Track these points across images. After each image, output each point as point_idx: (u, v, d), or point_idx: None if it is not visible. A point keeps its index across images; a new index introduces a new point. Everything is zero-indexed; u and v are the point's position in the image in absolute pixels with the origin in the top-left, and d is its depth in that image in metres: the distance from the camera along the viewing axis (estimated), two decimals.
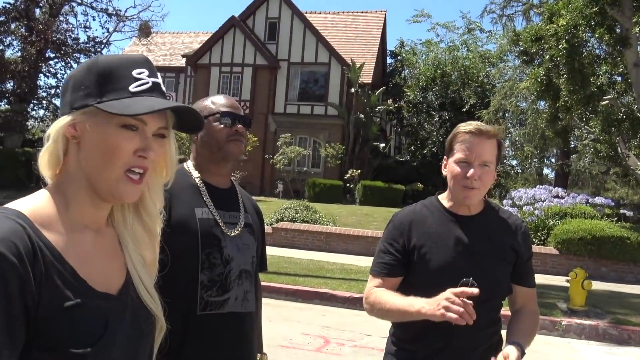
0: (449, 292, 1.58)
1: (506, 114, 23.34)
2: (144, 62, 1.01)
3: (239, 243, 1.77)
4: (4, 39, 20.25)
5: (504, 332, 1.90)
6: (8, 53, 20.97)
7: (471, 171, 1.74)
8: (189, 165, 1.85)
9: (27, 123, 20.90)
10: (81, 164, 0.96)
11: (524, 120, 21.69)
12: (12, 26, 20.51)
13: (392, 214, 1.96)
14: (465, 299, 1.55)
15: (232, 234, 1.75)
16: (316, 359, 4.86)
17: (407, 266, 1.83)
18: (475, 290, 1.55)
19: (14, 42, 20.65)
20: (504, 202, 13.52)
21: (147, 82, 0.99)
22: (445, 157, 1.88)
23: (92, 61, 1.01)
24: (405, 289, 1.83)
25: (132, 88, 0.97)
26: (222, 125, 1.76)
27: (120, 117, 0.94)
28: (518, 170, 30.41)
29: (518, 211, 12.29)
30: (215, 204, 1.77)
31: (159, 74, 1.03)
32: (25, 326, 0.86)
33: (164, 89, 1.03)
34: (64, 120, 0.96)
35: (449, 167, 1.83)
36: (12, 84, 20.39)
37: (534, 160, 27.05)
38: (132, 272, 1.04)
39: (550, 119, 13.12)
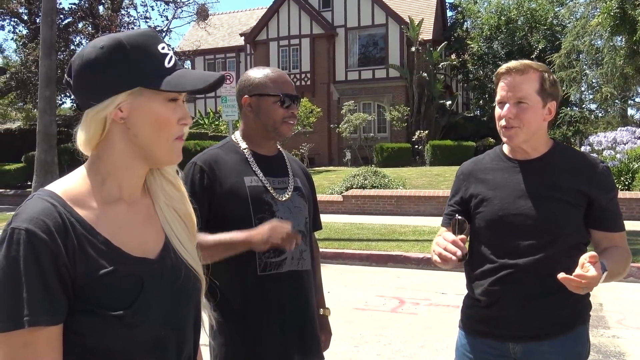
0: (443, 234, 1.70)
1: (580, 55, 21.89)
2: (158, 36, 1.08)
3: (290, 206, 1.85)
4: (74, 39, 21.35)
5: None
6: None
7: (505, 110, 1.73)
8: (237, 136, 1.92)
9: None
10: (131, 140, 1.03)
11: (601, 60, 20.24)
12: (80, 26, 21.57)
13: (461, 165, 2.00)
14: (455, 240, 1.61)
15: (283, 199, 1.83)
16: (392, 319, 4.92)
17: (468, 215, 1.82)
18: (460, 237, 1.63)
19: (83, 41, 21.73)
20: (582, 148, 12.82)
21: (172, 56, 1.06)
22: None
23: (115, 41, 1.02)
24: (474, 239, 1.84)
25: (167, 64, 1.03)
26: (282, 108, 1.83)
27: (167, 93, 1.02)
28: (598, 114, 28.61)
29: (598, 157, 11.65)
30: (264, 172, 1.84)
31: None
32: (64, 294, 0.94)
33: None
34: (109, 105, 1.00)
35: (496, 111, 1.82)
36: None
37: (616, 101, 25.31)
38: (168, 233, 1.10)
39: (629, 55, 12.25)
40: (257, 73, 1.88)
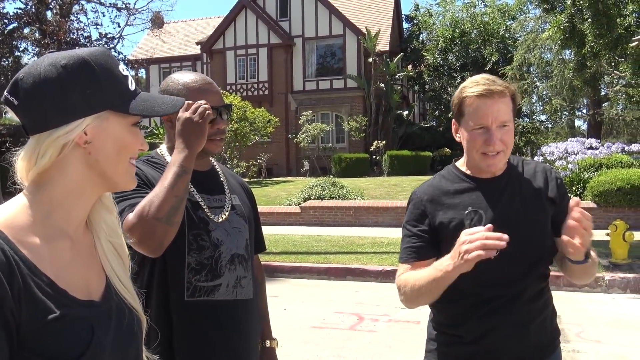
0: (462, 234, 1.42)
1: (531, 68, 22.56)
2: (113, 56, 1.03)
3: (228, 227, 1.63)
4: (19, 45, 20.46)
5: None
6: (25, 59, 21.22)
7: (492, 137, 1.57)
8: (163, 149, 1.71)
9: None
10: (91, 165, 0.97)
11: (550, 72, 20.88)
12: (26, 31, 20.68)
13: (412, 192, 1.77)
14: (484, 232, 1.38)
15: (220, 220, 1.62)
16: (350, 338, 4.75)
17: (437, 246, 1.65)
18: (486, 227, 1.39)
19: (29, 47, 20.87)
20: (535, 158, 13.11)
21: (132, 79, 1.03)
22: (454, 121, 1.69)
23: (80, 60, 0.95)
24: None
25: (130, 87, 1.01)
26: None
27: (132, 117, 1.00)
28: (548, 125, 29.52)
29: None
30: (197, 188, 1.63)
31: None
32: (7, 343, 0.84)
33: None
34: (75, 128, 0.93)
35: (466, 135, 1.63)
36: None
37: (564, 113, 26.18)
38: (108, 272, 1.04)
39: (578, 68, 12.58)
40: (177, 81, 1.63)
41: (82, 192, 0.98)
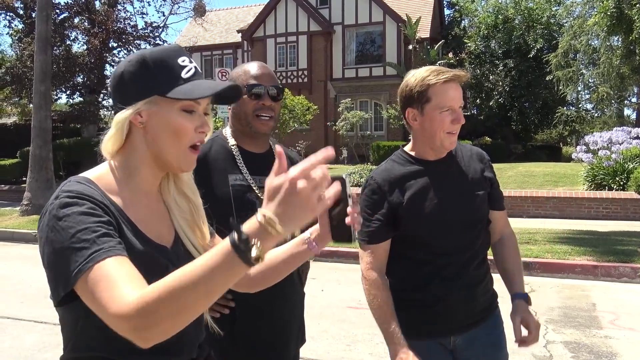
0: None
1: (577, 55, 21.89)
2: (182, 50, 1.18)
3: None
4: (70, 34, 21.22)
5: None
6: (75, 47, 22.04)
7: (459, 116, 1.78)
8: (227, 131, 1.88)
9: (100, 113, 21.96)
10: (148, 144, 1.14)
11: (597, 60, 20.23)
12: (76, 21, 21.44)
13: (366, 178, 1.91)
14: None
15: None
16: None
17: (394, 226, 1.81)
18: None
19: (79, 36, 21.62)
20: (577, 148, 12.82)
21: (192, 68, 1.15)
22: (411, 109, 1.81)
23: (140, 56, 1.14)
24: (399, 247, 1.82)
25: (184, 75, 1.13)
26: (250, 99, 1.77)
27: (182, 102, 1.11)
28: (594, 114, 28.62)
29: (593, 157, 11.64)
30: (250, 170, 1.79)
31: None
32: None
33: (199, 69, 1.20)
34: (129, 110, 1.11)
35: (430, 117, 1.77)
36: (81, 77, 21.43)
37: (612, 101, 25.32)
38: (179, 231, 1.21)
39: (626, 55, 12.22)
40: (239, 68, 1.87)
41: (151, 163, 1.16)
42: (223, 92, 1.15)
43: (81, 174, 1.13)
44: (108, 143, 1.14)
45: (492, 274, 1.96)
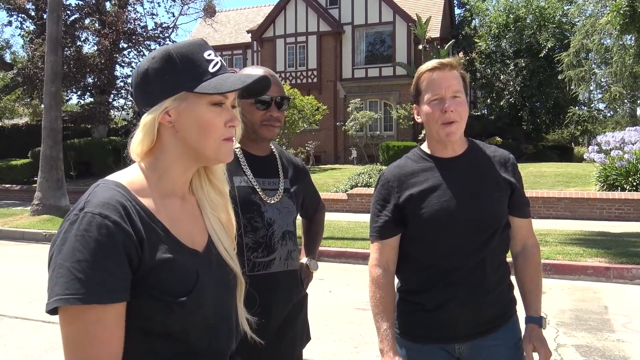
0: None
1: (589, 54, 21.67)
2: (206, 44, 1.14)
3: (280, 207, 1.84)
4: (80, 35, 21.36)
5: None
6: (85, 48, 22.17)
7: (446, 104, 1.70)
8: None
9: (110, 113, 22.09)
10: (180, 141, 1.10)
11: (610, 59, 20.02)
12: (87, 22, 21.58)
13: (380, 173, 1.90)
14: None
15: (272, 202, 1.82)
16: None
17: (402, 222, 1.78)
18: None
19: (90, 37, 21.77)
20: (589, 148, 12.67)
21: (218, 62, 1.12)
22: (414, 105, 1.83)
23: (164, 52, 1.10)
24: (406, 245, 1.79)
25: (211, 69, 1.10)
26: (259, 110, 1.81)
27: (210, 96, 1.08)
28: (607, 114, 28.32)
29: (605, 157, 11.51)
30: (254, 173, 1.83)
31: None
32: (130, 274, 1.00)
33: (224, 63, 1.18)
34: (157, 110, 1.08)
35: (423, 110, 1.76)
36: (92, 77, 21.57)
37: (625, 101, 25.04)
38: (212, 234, 1.18)
39: (638, 54, 12.06)
40: (243, 72, 1.85)
41: (183, 162, 1.12)
42: (252, 86, 1.12)
43: (111, 178, 1.09)
44: (137, 146, 1.09)
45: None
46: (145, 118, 1.09)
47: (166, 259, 1.04)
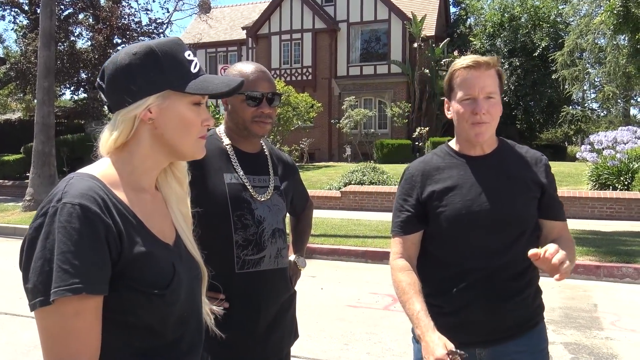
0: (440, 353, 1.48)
1: (583, 54, 21.73)
2: (184, 44, 1.17)
3: (270, 205, 1.82)
4: (74, 30, 21.24)
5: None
6: (79, 44, 22.05)
7: (479, 105, 1.65)
8: (221, 130, 1.89)
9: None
10: (157, 137, 1.11)
11: (604, 59, 20.06)
12: (80, 17, 21.45)
13: (405, 168, 1.87)
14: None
15: (262, 199, 1.80)
16: (384, 317, 4.88)
17: (424, 219, 1.75)
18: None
19: (83, 32, 21.64)
20: (582, 147, 12.72)
21: (197, 63, 1.15)
22: (446, 99, 1.78)
23: (147, 49, 1.10)
24: (427, 243, 1.77)
25: (192, 69, 1.13)
26: (250, 107, 1.78)
27: (192, 96, 1.11)
28: (601, 114, 28.43)
29: (598, 156, 11.56)
30: (245, 169, 1.81)
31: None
32: (110, 266, 1.00)
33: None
34: (140, 106, 1.08)
35: (454, 108, 1.72)
36: (85, 73, 21.45)
37: (618, 101, 25.14)
38: (178, 228, 1.21)
39: (632, 54, 12.10)
40: (235, 69, 1.85)
41: (155, 158, 1.14)
42: (236, 90, 1.17)
43: (84, 170, 1.09)
44: (112, 141, 1.09)
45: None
46: (126, 114, 1.09)
47: (145, 251, 1.05)
